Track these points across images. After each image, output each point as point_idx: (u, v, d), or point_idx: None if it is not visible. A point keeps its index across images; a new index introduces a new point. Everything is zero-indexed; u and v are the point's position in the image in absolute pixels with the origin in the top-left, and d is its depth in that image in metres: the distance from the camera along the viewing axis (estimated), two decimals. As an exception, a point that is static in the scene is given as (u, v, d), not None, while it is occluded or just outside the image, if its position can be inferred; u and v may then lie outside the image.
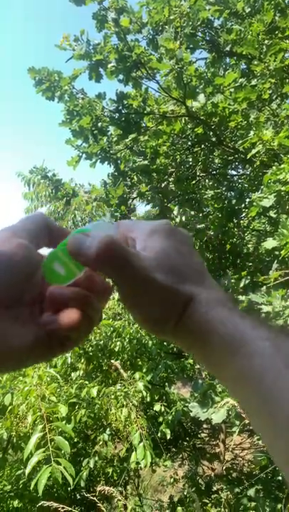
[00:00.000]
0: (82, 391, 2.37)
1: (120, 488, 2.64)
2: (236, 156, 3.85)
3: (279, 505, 2.49)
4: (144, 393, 2.59)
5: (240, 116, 3.30)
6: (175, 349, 4.25)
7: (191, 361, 3.70)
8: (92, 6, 3.36)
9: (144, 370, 3.08)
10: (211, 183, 4.44)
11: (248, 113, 3.18)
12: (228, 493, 2.80)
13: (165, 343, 3.65)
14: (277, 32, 2.99)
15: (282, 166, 2.38)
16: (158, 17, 3.38)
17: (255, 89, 3.09)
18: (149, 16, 3.48)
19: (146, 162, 3.86)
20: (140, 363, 3.31)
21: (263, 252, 3.36)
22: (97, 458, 2.43)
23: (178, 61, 3.05)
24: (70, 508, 1.72)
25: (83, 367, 2.91)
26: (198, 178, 4.36)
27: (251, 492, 2.66)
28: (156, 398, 3.06)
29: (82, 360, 2.94)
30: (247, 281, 3.23)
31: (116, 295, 3.92)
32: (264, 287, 2.27)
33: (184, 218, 3.93)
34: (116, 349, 3.03)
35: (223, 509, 2.61)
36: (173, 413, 2.91)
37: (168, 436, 2.85)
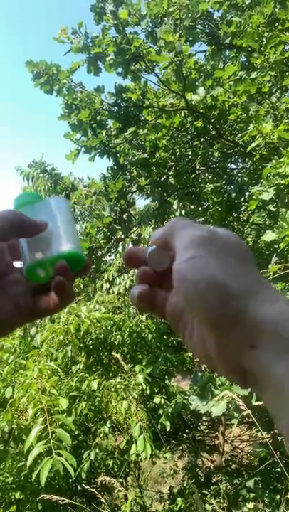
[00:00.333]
0: (83, 384, 2.38)
1: (121, 480, 2.67)
2: (236, 149, 3.84)
3: (277, 496, 2.53)
4: (144, 386, 2.61)
5: (239, 110, 3.29)
6: (174, 342, 4.27)
7: (190, 354, 3.72)
8: (90, -2, 3.33)
9: (144, 363, 3.09)
10: (210, 177, 4.43)
11: (247, 106, 3.16)
12: (227, 484, 2.83)
13: (164, 337, 3.67)
14: (277, 24, 2.96)
15: (281, 159, 2.37)
16: (157, 9, 3.35)
17: (255, 82, 3.07)
18: (147, 8, 3.45)
19: (145, 156, 3.85)
20: (140, 356, 3.32)
21: (263, 246, 3.36)
22: (97, 450, 2.45)
23: (177, 54, 3.03)
24: (70, 500, 1.74)
25: (83, 360, 2.93)
26: (197, 172, 4.35)
27: (250, 483, 2.69)
28: (156, 391, 3.08)
29: (83, 354, 2.96)
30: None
31: (116, 290, 3.94)
32: (263, 281, 2.27)
33: (183, 212, 3.94)
34: (116, 342, 3.04)
35: (222, 500, 2.64)
36: (173, 406, 2.93)
37: (168, 429, 2.87)
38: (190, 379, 3.04)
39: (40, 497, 1.73)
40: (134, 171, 4.04)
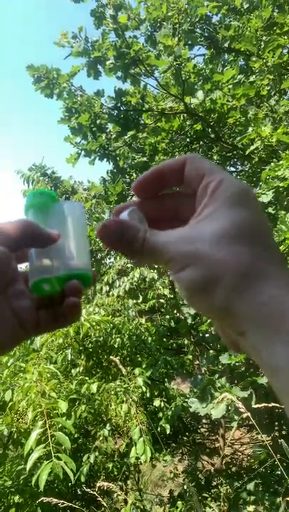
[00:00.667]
0: (82, 387, 2.38)
1: (120, 483, 2.66)
2: (235, 152, 3.85)
3: (278, 499, 2.52)
4: (144, 389, 2.61)
5: (238, 113, 3.30)
6: (174, 345, 4.27)
7: (190, 357, 3.72)
8: (90, 3, 3.36)
9: (144, 366, 3.09)
10: (210, 180, 4.43)
11: (246, 109, 3.18)
12: (228, 487, 2.82)
13: (164, 339, 3.67)
14: (275, 28, 2.98)
15: (280, 162, 2.38)
16: (156, 13, 3.38)
17: (254, 85, 3.09)
18: (147, 13, 3.47)
19: (145, 159, 3.86)
20: (140, 358, 3.32)
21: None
22: (97, 453, 2.44)
23: (176, 58, 3.05)
24: (70, 504, 1.74)
25: (83, 363, 2.93)
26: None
27: (250, 486, 2.68)
28: (156, 394, 3.08)
29: (82, 357, 2.96)
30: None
31: (115, 292, 3.94)
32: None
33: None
34: (116, 345, 3.04)
35: (222, 503, 2.63)
36: (172, 408, 2.93)
37: (168, 432, 2.87)
38: (190, 382, 3.04)
39: (39, 500, 1.73)
40: (134, 174, 4.05)
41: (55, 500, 1.68)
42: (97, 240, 3.71)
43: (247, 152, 2.88)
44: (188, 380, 3.74)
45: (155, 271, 3.79)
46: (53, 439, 1.67)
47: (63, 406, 1.91)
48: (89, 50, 3.39)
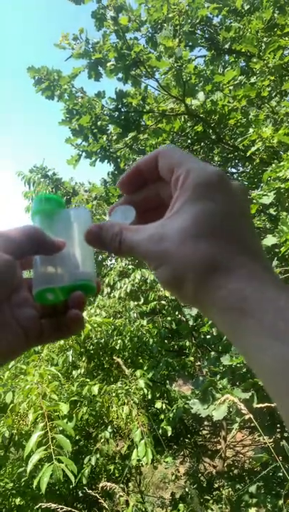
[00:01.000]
0: (84, 389, 2.37)
1: (122, 485, 2.65)
2: (236, 153, 3.85)
3: (280, 502, 2.51)
4: (145, 391, 2.60)
5: (239, 114, 3.30)
6: (176, 347, 4.26)
7: (191, 359, 3.71)
8: (91, 5, 3.36)
9: (145, 368, 3.09)
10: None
11: (247, 110, 3.18)
12: (230, 489, 2.81)
13: (166, 341, 3.66)
14: (276, 29, 2.98)
15: (281, 163, 2.38)
16: (157, 15, 3.38)
17: (255, 86, 3.09)
18: (147, 14, 3.48)
19: (146, 160, 3.86)
20: (141, 360, 3.32)
21: (263, 249, 3.36)
22: (98, 455, 2.43)
23: (177, 59, 3.05)
24: (69, 508, 1.73)
25: (84, 365, 2.92)
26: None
27: (252, 489, 2.67)
28: (158, 396, 3.07)
29: (84, 359, 2.96)
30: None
31: (117, 294, 3.94)
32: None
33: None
34: (117, 347, 3.04)
35: (224, 506, 2.62)
36: (174, 410, 2.92)
37: (169, 434, 2.86)
38: (191, 383, 3.04)
39: (39, 504, 1.72)
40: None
41: (53, 506, 1.68)
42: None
43: (248, 153, 2.88)
44: (190, 381, 3.73)
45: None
46: (53, 441, 1.66)
47: (64, 408, 1.91)
48: (90, 52, 3.40)
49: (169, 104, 3.57)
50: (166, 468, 3.54)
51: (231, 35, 3.51)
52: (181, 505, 2.77)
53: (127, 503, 2.31)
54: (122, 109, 3.56)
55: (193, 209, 0.32)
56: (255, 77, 3.13)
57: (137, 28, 3.48)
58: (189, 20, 3.22)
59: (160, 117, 3.64)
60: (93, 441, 2.62)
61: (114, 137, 3.75)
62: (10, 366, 2.33)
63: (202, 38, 3.74)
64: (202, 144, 4.16)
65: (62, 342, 2.67)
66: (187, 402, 2.91)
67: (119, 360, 2.53)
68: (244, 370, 2.50)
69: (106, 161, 3.80)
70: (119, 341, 3.06)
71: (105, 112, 3.60)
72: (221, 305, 0.29)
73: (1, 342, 0.36)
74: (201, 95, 3.32)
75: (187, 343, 3.83)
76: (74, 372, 2.84)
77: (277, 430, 2.75)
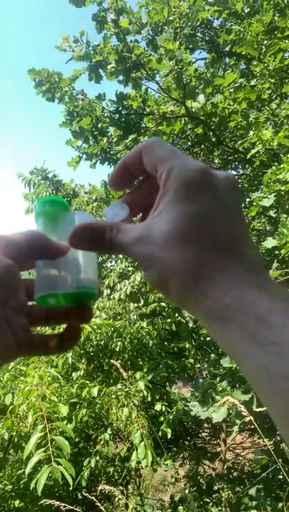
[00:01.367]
0: (83, 391, 2.37)
1: (121, 488, 2.65)
2: (236, 156, 3.85)
3: (280, 504, 2.50)
4: (145, 393, 2.60)
5: (239, 117, 3.31)
6: (175, 349, 4.26)
7: (191, 360, 3.71)
8: (92, 8, 3.37)
9: (145, 370, 3.08)
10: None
11: (247, 113, 3.18)
12: (229, 492, 2.80)
13: (165, 343, 3.66)
14: (276, 32, 2.99)
15: (281, 165, 2.38)
16: (157, 17, 3.39)
17: (255, 89, 3.10)
18: (148, 17, 3.49)
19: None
20: (141, 362, 3.31)
21: (263, 252, 3.36)
22: (98, 457, 2.43)
23: (177, 62, 3.06)
24: (72, 507, 1.73)
25: (84, 367, 2.92)
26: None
27: (252, 491, 2.66)
28: (157, 398, 3.07)
29: (83, 360, 2.95)
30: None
31: (117, 295, 3.94)
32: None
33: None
34: (117, 349, 3.04)
35: (224, 508, 2.62)
36: (174, 412, 2.92)
37: (169, 436, 2.86)
38: (191, 385, 3.03)
39: (41, 502, 1.72)
40: (136, 177, 4.05)
41: (56, 503, 1.68)
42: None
43: (248, 156, 2.88)
44: (190, 383, 3.72)
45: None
46: (53, 443, 1.66)
47: (64, 410, 1.91)
48: (90, 54, 3.41)
49: (169, 107, 3.58)
50: (165, 471, 3.54)
51: (232, 37, 3.52)
52: (180, 508, 2.76)
53: (126, 505, 2.31)
54: (123, 112, 3.57)
55: (176, 211, 0.31)
56: (255, 80, 3.14)
57: (137, 30, 3.49)
58: (190, 23, 3.22)
59: (160, 119, 3.64)
60: (93, 443, 2.61)
61: (115, 139, 3.75)
62: (10, 368, 2.33)
63: (202, 40, 3.75)
64: (202, 146, 4.16)
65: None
66: (187, 404, 2.90)
67: (117, 363, 2.53)
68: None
69: (106, 163, 3.80)
70: (119, 343, 3.06)
71: (106, 114, 3.61)
72: (205, 313, 0.29)
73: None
74: (201, 98, 3.32)
75: (187, 345, 3.83)
76: (74, 374, 2.84)
77: (277, 432, 2.74)
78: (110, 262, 5.12)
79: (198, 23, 3.38)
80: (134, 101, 3.56)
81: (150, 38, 3.60)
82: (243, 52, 3.21)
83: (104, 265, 5.14)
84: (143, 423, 2.23)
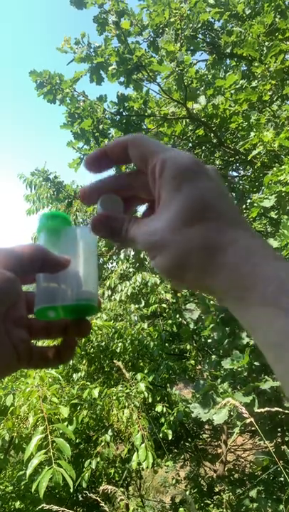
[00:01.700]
0: (84, 392, 2.37)
1: (122, 489, 2.64)
2: (237, 157, 3.85)
3: (281, 506, 2.49)
4: (146, 394, 2.60)
5: (240, 118, 3.31)
6: (176, 350, 4.25)
7: (192, 362, 3.70)
8: (93, 10, 3.37)
9: (146, 371, 3.08)
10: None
11: (248, 114, 3.18)
12: (230, 494, 2.80)
13: (166, 344, 3.65)
14: (277, 33, 3.00)
15: (282, 167, 2.38)
16: (158, 19, 3.40)
17: (256, 90, 3.10)
18: (149, 19, 3.50)
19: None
20: (142, 364, 3.31)
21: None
22: (99, 459, 2.43)
23: (178, 63, 3.06)
24: (70, 511, 1.72)
25: (85, 368, 2.92)
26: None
27: (253, 493, 2.65)
28: (158, 399, 3.06)
29: (84, 362, 2.95)
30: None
31: (117, 297, 3.94)
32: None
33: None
34: (118, 350, 3.04)
35: (225, 510, 2.61)
36: (174, 414, 2.91)
37: (170, 437, 2.85)
38: (192, 387, 3.03)
39: (39, 507, 1.72)
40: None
41: (55, 508, 1.67)
42: (99, 244, 3.71)
43: (249, 157, 2.88)
44: (191, 385, 3.72)
45: (157, 275, 3.79)
46: (53, 444, 1.66)
47: (65, 411, 1.91)
48: (92, 56, 3.41)
49: (170, 108, 3.59)
50: (166, 472, 3.53)
51: (233, 39, 3.53)
52: (181, 510, 2.76)
53: (127, 507, 2.30)
54: (124, 113, 3.57)
55: (179, 197, 0.32)
56: (256, 81, 3.14)
57: (138, 32, 3.50)
58: (191, 25, 3.24)
59: (161, 121, 3.65)
60: (93, 444, 2.61)
61: (116, 141, 3.76)
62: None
63: (203, 42, 3.76)
64: (203, 147, 4.17)
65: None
66: (188, 405, 2.90)
67: (119, 363, 2.53)
68: (245, 373, 2.49)
69: (107, 164, 3.81)
70: (119, 344, 3.06)
71: (107, 116, 3.61)
72: (225, 285, 0.30)
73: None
74: (202, 99, 3.33)
75: (188, 347, 3.83)
76: (74, 375, 2.84)
77: (278, 434, 2.74)
78: (111, 264, 5.13)
79: (199, 25, 3.39)
80: (136, 102, 3.56)
81: (151, 39, 3.62)
82: (244, 54, 3.22)
83: (105, 266, 5.14)
84: (144, 424, 2.23)
